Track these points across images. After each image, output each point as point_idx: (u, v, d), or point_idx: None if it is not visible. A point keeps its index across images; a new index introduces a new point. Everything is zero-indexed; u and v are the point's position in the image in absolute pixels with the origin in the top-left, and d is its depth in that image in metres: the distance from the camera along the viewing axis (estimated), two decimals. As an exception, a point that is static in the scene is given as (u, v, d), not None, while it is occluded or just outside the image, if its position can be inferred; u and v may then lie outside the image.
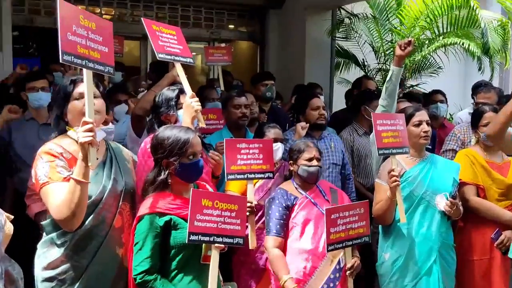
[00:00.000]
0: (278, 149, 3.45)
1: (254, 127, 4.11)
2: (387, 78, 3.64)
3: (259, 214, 3.28)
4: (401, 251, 3.21)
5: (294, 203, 3.14)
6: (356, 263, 3.01)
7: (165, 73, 3.69)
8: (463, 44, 6.48)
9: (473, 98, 5.04)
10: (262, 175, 3.01)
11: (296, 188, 3.23)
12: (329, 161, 4.01)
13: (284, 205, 3.13)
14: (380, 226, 3.39)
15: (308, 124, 3.98)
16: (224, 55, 5.50)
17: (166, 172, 2.49)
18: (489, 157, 3.59)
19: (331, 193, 3.26)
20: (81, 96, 2.40)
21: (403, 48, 3.51)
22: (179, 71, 2.97)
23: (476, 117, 3.71)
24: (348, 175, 4.21)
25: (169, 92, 3.09)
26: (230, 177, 2.92)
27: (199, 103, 2.91)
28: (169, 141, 2.49)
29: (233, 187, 3.28)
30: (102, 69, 2.36)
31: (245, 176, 2.96)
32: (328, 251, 2.86)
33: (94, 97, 2.40)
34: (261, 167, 3.00)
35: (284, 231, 3.12)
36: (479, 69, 6.97)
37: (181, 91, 3.08)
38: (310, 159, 3.19)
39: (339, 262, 3.02)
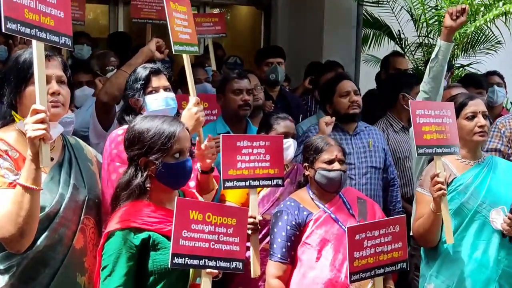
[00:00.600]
0: (290, 146, 3.46)
1: (257, 118, 4.13)
2: (432, 56, 3.64)
3: (263, 232, 3.30)
4: (449, 281, 3.21)
5: (308, 220, 3.16)
6: None
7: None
8: (526, 11, 6.48)
9: None
10: (269, 182, 3.02)
11: (312, 198, 3.24)
12: (366, 163, 4.04)
13: (294, 222, 3.14)
14: (422, 249, 3.40)
15: (334, 118, 3.98)
16: (215, 25, 5.51)
17: (144, 174, 2.50)
18: None
19: (358, 205, 3.27)
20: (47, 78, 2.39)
21: (454, 17, 3.50)
22: (187, 65, 3.03)
23: None
24: (392, 180, 4.24)
25: (140, 70, 3.16)
26: (227, 184, 2.90)
27: (204, 113, 2.99)
28: (149, 133, 2.50)
29: (231, 197, 3.29)
30: (56, 40, 2.35)
31: (247, 183, 2.96)
32: (351, 282, 2.85)
33: (59, 82, 2.41)
34: (268, 171, 3.01)
35: (291, 256, 3.13)
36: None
37: (155, 72, 3.14)
38: (330, 161, 3.20)
39: (366, 295, 3.03)
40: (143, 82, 3.12)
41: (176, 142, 2.50)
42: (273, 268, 3.11)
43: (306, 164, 3.28)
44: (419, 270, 3.43)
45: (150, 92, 3.12)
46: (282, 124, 3.52)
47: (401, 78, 4.99)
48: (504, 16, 6.98)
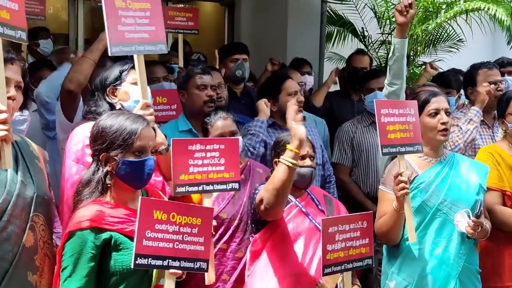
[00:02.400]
0: None
1: None
2: (390, 55, 3.67)
3: (220, 231, 3.28)
4: (410, 278, 3.24)
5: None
6: None
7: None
8: (488, 9, 6.59)
9: None
10: (224, 186, 2.93)
11: None
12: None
13: None
14: (384, 247, 3.43)
15: (271, 102, 4.02)
16: (188, 20, 5.44)
17: (105, 170, 2.50)
18: None
19: (326, 202, 3.29)
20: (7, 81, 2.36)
21: (404, 12, 3.54)
22: (139, 66, 2.97)
23: (502, 104, 3.78)
24: (329, 176, 4.28)
25: (120, 64, 3.16)
26: (179, 190, 2.80)
27: (153, 118, 2.93)
28: (112, 129, 2.50)
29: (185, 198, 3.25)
30: (12, 35, 2.32)
31: (200, 188, 2.87)
32: (323, 275, 2.86)
33: (16, 87, 2.39)
34: (223, 175, 2.92)
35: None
36: (508, 42, 7.12)
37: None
38: (302, 157, 3.19)
39: (335, 290, 3.05)
40: (125, 71, 3.10)
41: (137, 139, 2.50)
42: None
43: (276, 159, 3.26)
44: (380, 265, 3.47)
45: (135, 83, 3.08)
46: (215, 126, 3.46)
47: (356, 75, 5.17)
48: (465, 14, 7.11)
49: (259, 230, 3.18)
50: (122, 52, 2.95)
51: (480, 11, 6.83)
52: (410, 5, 3.52)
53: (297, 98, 4.06)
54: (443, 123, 3.29)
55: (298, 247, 3.11)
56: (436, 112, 3.32)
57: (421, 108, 3.31)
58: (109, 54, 2.95)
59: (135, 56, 3.00)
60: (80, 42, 7.24)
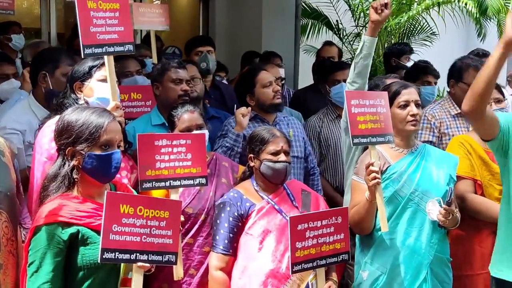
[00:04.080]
0: None
1: None
2: (357, 52, 3.66)
3: (186, 226, 3.26)
4: (383, 268, 3.25)
5: (250, 211, 3.16)
6: None
7: None
8: (459, 1, 6.63)
9: None
10: (191, 182, 2.93)
11: (256, 190, 3.24)
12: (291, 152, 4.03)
13: (236, 214, 3.14)
14: (357, 237, 3.43)
15: (249, 109, 3.95)
16: (159, 16, 5.40)
17: (71, 164, 2.48)
18: None
19: (302, 197, 3.28)
20: None
21: (379, 11, 3.54)
22: (109, 68, 2.97)
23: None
24: (312, 169, 4.26)
25: (92, 59, 3.12)
26: (145, 185, 2.79)
27: (122, 119, 2.92)
28: (78, 123, 2.49)
29: (154, 192, 3.23)
30: None
31: (167, 183, 2.86)
32: (292, 272, 2.86)
33: None
34: (190, 170, 2.91)
35: (234, 247, 3.14)
36: (478, 34, 7.16)
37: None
38: (276, 153, 3.18)
39: (307, 287, 3.03)
40: (94, 67, 3.07)
41: (104, 133, 2.48)
42: (216, 260, 3.10)
43: (252, 155, 3.26)
44: (353, 258, 3.46)
45: (102, 80, 3.06)
46: (182, 119, 3.40)
47: (328, 66, 5.15)
48: (438, 7, 7.15)
49: None
50: (95, 54, 2.97)
51: (450, 3, 6.87)
52: (386, 5, 3.52)
53: (273, 88, 4.06)
54: (412, 115, 3.31)
55: (269, 244, 3.11)
56: (406, 104, 3.33)
57: (392, 99, 3.32)
58: (82, 56, 2.97)
59: (105, 58, 3.00)
60: (52, 36, 7.16)
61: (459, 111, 4.31)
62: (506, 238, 3.12)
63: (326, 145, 4.61)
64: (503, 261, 3.10)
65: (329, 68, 4.94)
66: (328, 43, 5.99)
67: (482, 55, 5.39)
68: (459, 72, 4.47)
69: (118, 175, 2.85)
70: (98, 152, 2.48)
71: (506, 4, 7.26)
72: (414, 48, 7.68)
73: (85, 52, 2.92)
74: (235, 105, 4.67)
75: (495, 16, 7.25)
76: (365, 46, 3.60)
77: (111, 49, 2.99)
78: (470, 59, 4.56)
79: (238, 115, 3.86)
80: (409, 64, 5.58)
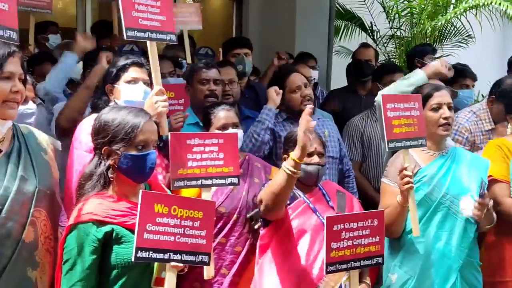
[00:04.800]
0: None
1: None
2: (408, 79, 3.71)
3: (219, 225, 3.27)
4: (412, 271, 3.24)
5: (291, 202, 3.13)
6: None
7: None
8: (500, 5, 6.54)
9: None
10: (223, 181, 2.93)
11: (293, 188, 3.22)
12: (326, 153, 4.01)
13: None
14: (386, 240, 3.40)
15: (281, 91, 3.99)
16: (191, 16, 5.44)
17: (107, 163, 2.50)
18: None
19: (337, 198, 3.27)
20: (11, 75, 2.39)
21: (445, 69, 3.68)
22: (152, 53, 2.99)
23: (511, 100, 3.74)
24: (347, 171, 4.24)
25: (121, 59, 3.18)
26: (177, 184, 2.80)
27: (166, 103, 2.93)
28: (114, 123, 2.50)
29: (185, 192, 3.25)
30: (1, 34, 2.36)
31: (199, 182, 2.86)
32: (326, 272, 2.83)
33: (20, 79, 2.41)
34: (222, 170, 2.91)
35: None
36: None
37: (138, 64, 3.16)
38: (309, 154, 3.16)
39: (341, 289, 3.03)
40: (122, 69, 3.11)
41: (140, 133, 2.49)
42: None
43: (286, 155, 3.25)
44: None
45: (129, 82, 3.11)
46: (222, 115, 3.43)
47: (360, 67, 5.25)
48: (475, 9, 7.06)
49: (267, 224, 3.16)
50: (137, 37, 2.99)
51: (489, 6, 6.78)
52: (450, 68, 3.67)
53: (301, 93, 4.04)
54: (445, 118, 3.30)
55: (303, 244, 3.10)
56: (439, 107, 3.32)
57: (424, 102, 3.31)
58: (125, 38, 3.00)
59: (148, 43, 3.02)
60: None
61: (494, 126, 4.30)
62: None
63: (368, 145, 4.62)
64: None
65: (379, 70, 4.91)
66: (364, 45, 5.96)
67: None
68: (502, 94, 4.29)
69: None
70: (133, 152, 2.49)
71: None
72: (449, 51, 7.66)
73: (128, 34, 2.95)
74: None
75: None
76: (415, 78, 3.65)
77: (153, 35, 3.02)
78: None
79: (271, 91, 3.91)
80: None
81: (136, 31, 2.97)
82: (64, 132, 3.75)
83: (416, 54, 5.74)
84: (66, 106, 3.89)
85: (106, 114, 2.58)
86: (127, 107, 2.66)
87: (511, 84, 4.26)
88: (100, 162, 2.52)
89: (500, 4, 6.55)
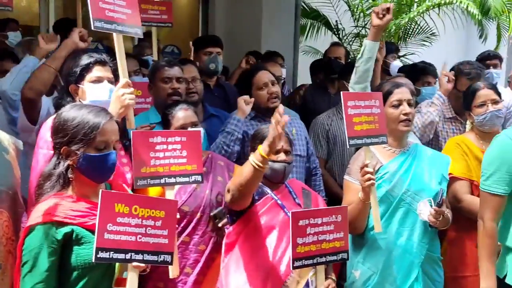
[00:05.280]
0: None
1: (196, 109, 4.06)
2: (358, 56, 3.67)
3: (182, 224, 3.26)
4: (375, 267, 3.28)
5: (258, 198, 3.13)
6: (331, 286, 3.04)
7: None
8: (461, 3, 6.63)
9: None
10: (186, 179, 2.91)
11: (260, 186, 3.21)
12: (293, 151, 4.02)
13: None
14: (349, 236, 3.43)
15: (253, 99, 3.96)
16: (162, 14, 5.39)
17: (65, 164, 2.46)
18: (486, 147, 3.67)
19: (303, 196, 3.28)
20: None
21: (380, 15, 3.55)
22: (118, 46, 2.95)
23: (468, 96, 3.81)
24: (314, 169, 4.25)
25: (84, 57, 3.11)
26: (140, 182, 2.78)
27: (133, 96, 2.88)
28: (73, 122, 2.46)
29: (148, 190, 3.23)
30: None
31: (162, 181, 2.85)
32: (293, 268, 2.83)
33: None
34: (185, 168, 2.90)
35: None
36: (480, 36, 7.17)
37: (101, 62, 3.10)
38: (276, 152, 3.15)
39: (307, 284, 3.02)
40: (85, 69, 3.06)
41: (99, 134, 2.46)
42: None
43: (253, 153, 3.25)
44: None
45: (94, 81, 3.07)
46: (176, 117, 3.41)
47: (329, 64, 5.26)
48: (438, 8, 7.16)
49: (234, 221, 3.16)
50: (104, 29, 2.94)
51: (451, 4, 6.88)
52: (388, 9, 3.53)
53: (268, 90, 4.04)
54: (405, 114, 3.33)
55: (271, 240, 3.10)
56: (399, 103, 3.36)
57: (384, 99, 3.34)
58: (92, 28, 2.94)
59: (114, 36, 2.98)
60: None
61: (454, 115, 4.39)
62: None
63: (334, 142, 4.64)
64: None
65: (346, 67, 4.93)
66: (335, 44, 6.00)
67: (493, 56, 5.42)
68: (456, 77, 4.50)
69: (122, 170, 2.87)
70: (93, 153, 2.46)
71: (508, 5, 7.30)
72: (413, 49, 7.75)
73: (95, 25, 2.89)
74: None
75: (497, 17, 7.27)
76: (366, 50, 3.62)
77: (120, 28, 2.98)
78: (466, 65, 4.56)
79: (240, 101, 3.88)
80: (396, 63, 5.56)
81: (103, 22, 2.92)
82: (30, 105, 3.71)
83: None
84: (32, 76, 3.80)
85: (66, 112, 2.53)
86: (88, 105, 2.62)
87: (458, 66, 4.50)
88: (59, 162, 2.48)
89: (462, 2, 6.65)
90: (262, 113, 4.02)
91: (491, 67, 5.30)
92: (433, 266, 3.36)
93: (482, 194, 3.08)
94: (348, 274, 3.39)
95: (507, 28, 7.46)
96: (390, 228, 3.27)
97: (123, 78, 2.95)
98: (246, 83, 4.13)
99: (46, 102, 3.95)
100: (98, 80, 3.08)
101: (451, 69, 4.60)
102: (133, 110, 3.05)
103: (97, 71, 3.09)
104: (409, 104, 3.37)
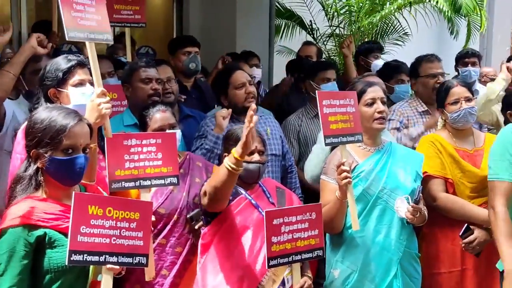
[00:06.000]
0: None
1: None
2: None
3: (158, 227, 3.24)
4: (353, 266, 3.28)
5: (232, 199, 3.13)
6: (307, 284, 3.03)
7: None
8: (430, 0, 6.68)
9: (457, 70, 5.43)
10: (162, 181, 2.91)
11: (234, 186, 3.19)
12: (267, 151, 4.00)
13: None
14: (327, 236, 3.44)
15: (230, 110, 3.92)
16: (135, 13, 5.34)
17: (34, 167, 2.43)
18: (459, 144, 3.73)
19: (277, 194, 3.28)
20: None
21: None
22: (92, 54, 2.91)
23: (442, 94, 3.84)
24: (290, 167, 4.25)
25: (62, 61, 3.06)
26: (114, 186, 2.77)
27: (109, 105, 2.86)
28: (42, 125, 2.43)
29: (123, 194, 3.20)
30: None
31: (137, 183, 2.83)
32: (269, 267, 2.85)
33: None
34: (161, 170, 2.89)
35: None
36: (451, 33, 7.24)
37: (81, 65, 3.06)
38: (250, 153, 3.15)
39: (283, 283, 3.03)
40: (67, 72, 3.01)
41: (66, 137, 2.42)
42: None
43: (226, 154, 3.23)
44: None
45: (77, 85, 3.01)
46: (154, 119, 3.38)
47: (301, 64, 5.23)
48: (410, 7, 7.22)
49: (209, 222, 3.15)
50: (78, 38, 2.91)
51: (424, 3, 6.95)
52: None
53: (245, 89, 4.02)
54: (379, 112, 3.35)
55: (246, 240, 3.10)
56: (373, 102, 3.38)
57: (358, 98, 3.35)
58: (67, 39, 2.91)
59: (87, 44, 2.94)
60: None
61: (426, 108, 4.44)
62: None
63: (305, 143, 4.63)
64: None
65: (313, 67, 4.94)
66: (307, 43, 6.00)
67: (471, 54, 5.48)
68: (414, 69, 4.62)
69: (102, 175, 2.84)
70: (60, 157, 2.42)
71: (479, 3, 7.41)
72: (387, 48, 7.79)
73: (69, 35, 2.85)
74: (215, 105, 4.67)
75: (469, 14, 7.36)
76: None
77: (92, 36, 2.93)
78: (422, 56, 4.69)
79: (218, 117, 3.82)
80: (378, 62, 5.60)
81: (76, 32, 2.89)
82: None
83: (361, 52, 5.82)
84: None
85: (37, 114, 2.50)
86: (60, 107, 2.58)
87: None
88: (30, 165, 2.45)
89: (437, 2, 6.73)
90: (239, 113, 3.99)
91: (469, 65, 5.36)
92: (411, 263, 3.38)
93: (490, 184, 3.09)
94: (327, 273, 3.40)
95: (478, 26, 7.56)
96: (368, 226, 3.28)
97: (98, 87, 2.91)
98: (222, 82, 4.10)
99: (11, 107, 3.88)
100: (81, 83, 3.03)
101: (413, 63, 4.70)
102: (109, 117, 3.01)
103: (78, 75, 3.04)
104: (383, 102, 3.40)
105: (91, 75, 3.07)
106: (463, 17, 7.17)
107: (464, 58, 5.43)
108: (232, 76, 4.06)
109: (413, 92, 4.55)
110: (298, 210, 2.94)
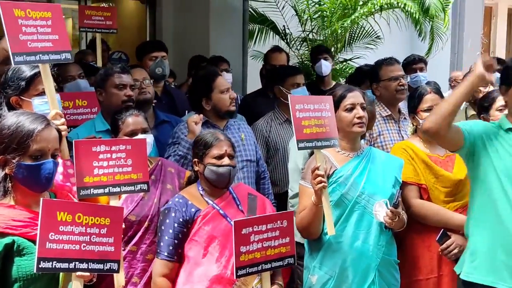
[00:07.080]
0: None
1: (147, 114, 3.98)
2: None
3: (129, 234, 3.20)
4: (331, 272, 3.25)
5: (196, 216, 3.12)
6: None
7: None
8: (398, 4, 6.73)
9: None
10: (131, 188, 2.89)
11: (201, 194, 3.21)
12: (242, 157, 4.01)
13: (181, 219, 3.11)
14: (305, 241, 3.43)
15: (201, 116, 3.90)
16: (106, 19, 5.30)
17: (2, 173, 2.38)
18: (431, 150, 3.71)
19: (248, 201, 3.26)
20: None
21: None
22: (45, 76, 2.88)
23: (414, 100, 3.83)
24: (263, 173, 4.24)
25: (25, 68, 3.02)
26: (83, 192, 2.73)
27: (65, 127, 2.83)
28: (9, 130, 2.39)
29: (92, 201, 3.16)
30: None
31: (107, 190, 2.81)
32: (237, 277, 2.82)
33: None
34: (130, 176, 2.87)
35: (178, 253, 3.11)
36: (419, 34, 7.31)
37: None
38: (220, 157, 3.17)
39: (253, 292, 3.02)
40: (30, 82, 2.98)
41: (33, 142, 2.38)
42: (160, 266, 3.07)
43: (196, 159, 3.23)
44: (302, 259, 3.47)
45: (39, 94, 2.98)
46: (126, 123, 3.35)
47: (274, 72, 5.16)
48: (380, 11, 7.27)
49: None
50: (26, 62, 2.88)
51: (393, 8, 7.01)
52: None
53: (230, 94, 4.02)
54: (359, 117, 3.33)
55: (214, 249, 3.09)
56: (352, 107, 3.35)
57: (338, 103, 3.34)
58: (13, 64, 2.87)
59: (41, 67, 2.91)
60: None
61: (389, 112, 4.44)
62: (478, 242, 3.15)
63: (275, 148, 4.61)
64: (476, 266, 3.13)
65: (282, 73, 4.92)
66: (277, 50, 5.98)
67: (418, 60, 5.51)
68: (375, 73, 4.63)
69: (68, 184, 2.82)
70: (28, 162, 2.38)
71: (445, 4, 7.52)
72: (359, 53, 7.83)
73: (16, 60, 2.81)
74: (186, 111, 4.62)
75: (436, 15, 7.44)
76: None
77: (45, 57, 2.90)
78: (381, 60, 4.72)
79: (190, 123, 3.79)
80: (324, 62, 5.69)
81: (25, 56, 2.84)
82: None
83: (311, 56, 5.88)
84: None
85: (5, 120, 2.46)
86: (27, 113, 2.55)
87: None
88: None
89: (405, 5, 6.78)
90: (221, 116, 4.01)
91: (418, 71, 5.40)
92: (390, 270, 3.35)
93: None
94: (305, 279, 3.37)
95: (444, 28, 7.65)
96: (346, 231, 3.25)
97: (53, 109, 2.87)
98: (205, 86, 4.05)
99: None
100: (44, 92, 2.99)
101: (372, 66, 4.75)
102: (65, 138, 2.96)
103: (41, 84, 2.99)
104: (362, 108, 3.38)
105: (55, 80, 3.03)
106: (433, 17, 7.23)
107: (412, 64, 5.46)
108: (216, 80, 4.05)
109: (375, 96, 4.55)
110: (269, 219, 2.91)
